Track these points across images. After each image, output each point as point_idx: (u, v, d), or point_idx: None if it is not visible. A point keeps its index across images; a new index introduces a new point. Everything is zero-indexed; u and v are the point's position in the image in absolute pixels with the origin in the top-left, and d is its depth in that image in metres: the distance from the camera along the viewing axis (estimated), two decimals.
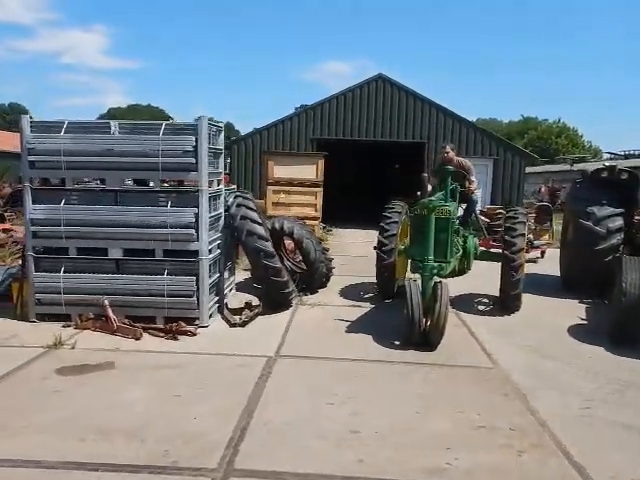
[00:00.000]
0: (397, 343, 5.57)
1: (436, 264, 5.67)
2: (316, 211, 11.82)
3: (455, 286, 7.05)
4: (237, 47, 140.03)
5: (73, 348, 5.28)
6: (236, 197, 6.74)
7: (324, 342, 5.64)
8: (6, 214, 14.70)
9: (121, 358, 5.04)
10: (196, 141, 5.87)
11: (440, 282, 5.51)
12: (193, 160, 5.88)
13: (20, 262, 7.29)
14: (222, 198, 6.73)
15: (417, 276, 5.88)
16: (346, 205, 18.62)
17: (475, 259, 7.55)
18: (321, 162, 12.02)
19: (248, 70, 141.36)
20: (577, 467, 3.34)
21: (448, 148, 8.08)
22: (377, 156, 21.66)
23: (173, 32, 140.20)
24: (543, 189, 30.46)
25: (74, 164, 6.03)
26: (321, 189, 11.92)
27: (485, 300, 7.69)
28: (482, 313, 7.05)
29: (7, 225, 12.48)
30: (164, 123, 6.03)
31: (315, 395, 4.25)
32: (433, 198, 6.12)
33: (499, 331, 6.25)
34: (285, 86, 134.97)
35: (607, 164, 9.11)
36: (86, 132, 6.07)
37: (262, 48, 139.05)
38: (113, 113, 66.43)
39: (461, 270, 7.26)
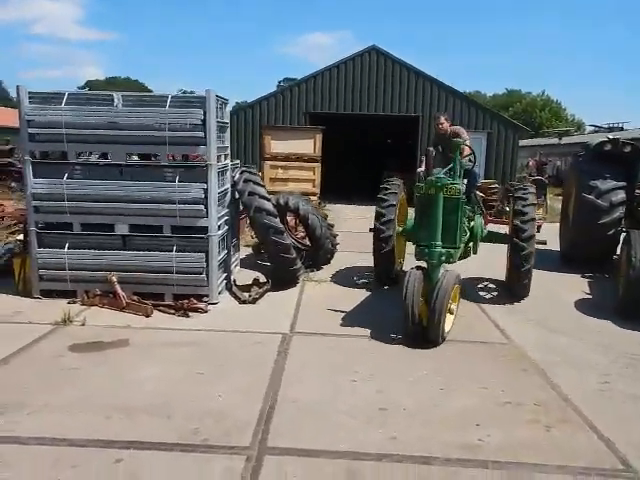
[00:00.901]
0: None
1: (444, 250, 5.06)
2: (314, 187, 11.70)
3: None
4: (216, 19, 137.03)
5: (83, 325, 5.19)
6: (242, 172, 6.60)
7: (337, 319, 5.61)
8: None
9: (134, 335, 4.97)
10: (204, 114, 5.71)
11: (446, 272, 5.00)
12: (202, 134, 5.72)
13: (17, 237, 7.13)
14: (229, 173, 6.60)
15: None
16: (337, 181, 18.45)
17: (480, 241, 6.81)
18: (319, 137, 11.86)
19: (228, 43, 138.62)
20: (605, 441, 3.37)
21: (442, 119, 7.25)
22: (370, 131, 21.43)
23: (150, 2, 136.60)
24: (531, 163, 30.57)
25: (76, 137, 5.83)
26: (319, 164, 11.78)
27: (491, 285, 7.25)
28: (488, 301, 6.52)
29: None
30: (170, 95, 5.84)
31: (336, 372, 4.23)
32: (441, 175, 5.39)
33: (508, 307, 6.28)
34: (267, 60, 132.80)
35: (610, 137, 9.06)
36: (88, 104, 5.87)
37: (242, 19, 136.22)
38: (90, 85, 64.81)
39: (465, 254, 6.47)
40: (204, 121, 5.71)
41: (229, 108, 6.80)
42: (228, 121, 6.62)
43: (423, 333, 4.85)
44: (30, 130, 5.78)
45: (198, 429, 3.31)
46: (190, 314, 5.59)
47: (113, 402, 3.65)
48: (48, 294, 6.03)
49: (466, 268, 6.79)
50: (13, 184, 15.69)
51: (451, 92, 18.74)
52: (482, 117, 18.71)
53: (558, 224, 9.94)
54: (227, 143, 6.62)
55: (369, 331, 5.22)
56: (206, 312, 5.69)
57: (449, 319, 5.01)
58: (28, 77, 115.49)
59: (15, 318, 5.37)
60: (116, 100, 5.86)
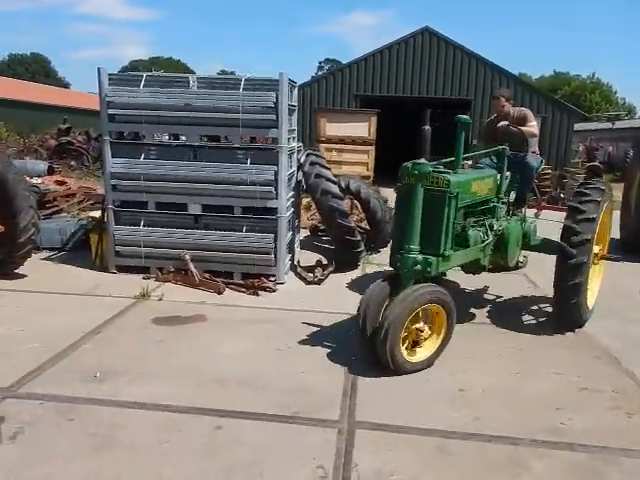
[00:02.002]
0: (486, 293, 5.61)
1: (421, 257, 4.01)
2: (368, 170, 11.72)
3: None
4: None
5: (160, 300, 5.43)
6: (308, 155, 6.71)
7: None
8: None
9: (210, 311, 5.17)
10: (276, 97, 5.82)
11: (423, 286, 3.93)
12: (274, 117, 5.84)
13: (90, 214, 7.45)
14: (295, 156, 6.71)
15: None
16: (386, 164, 18.36)
17: (530, 249, 5.52)
18: (374, 119, 11.85)
19: (269, 23, 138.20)
20: None
21: (502, 99, 5.91)
22: (420, 114, 21.19)
23: None
24: (581, 148, 29.66)
25: (153, 118, 6.04)
26: (373, 147, 11.78)
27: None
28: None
29: (59, 177, 12.64)
30: (243, 78, 5.96)
31: None
32: (424, 160, 4.06)
33: None
34: (306, 39, 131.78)
35: None
36: (164, 86, 6.05)
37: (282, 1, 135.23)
38: (134, 66, 65.95)
39: (497, 266, 5.22)
40: (276, 104, 5.83)
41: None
42: (296, 104, 6.71)
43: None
44: (110, 111, 6.01)
45: (288, 402, 3.47)
46: (259, 293, 5.78)
47: (203, 373, 3.84)
48: (123, 269, 6.31)
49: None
50: (72, 162, 16.24)
51: (505, 74, 18.33)
52: (536, 101, 18.26)
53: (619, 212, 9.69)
54: (295, 126, 6.72)
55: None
56: (274, 291, 5.86)
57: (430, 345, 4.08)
58: (74, 57, 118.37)
59: (97, 291, 5.66)
60: (191, 82, 6.03)
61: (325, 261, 6.89)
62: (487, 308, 5.61)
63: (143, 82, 6.01)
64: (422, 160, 4.04)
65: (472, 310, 5.52)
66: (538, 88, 20.57)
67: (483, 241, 4.72)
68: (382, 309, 3.95)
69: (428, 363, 4.04)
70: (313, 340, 4.54)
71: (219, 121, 5.98)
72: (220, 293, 5.71)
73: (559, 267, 4.85)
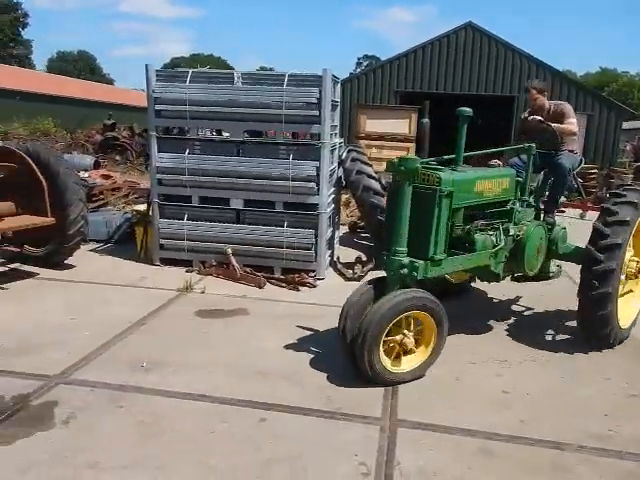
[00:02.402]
0: (518, 303, 5.50)
1: (407, 261, 3.69)
2: None
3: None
4: None
5: (203, 292, 5.53)
6: (350, 151, 6.71)
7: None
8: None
9: (251, 305, 5.24)
10: (320, 93, 5.83)
11: (406, 291, 3.63)
12: (316, 112, 5.85)
13: (135, 207, 7.63)
14: (337, 152, 6.71)
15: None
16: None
17: (560, 258, 5.09)
18: (414, 116, 11.73)
19: (306, 19, 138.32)
20: None
21: (533, 91, 5.41)
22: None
23: None
24: (629, 147, 28.64)
25: (198, 114, 6.13)
26: (414, 144, 11.67)
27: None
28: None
29: (105, 171, 12.99)
30: (287, 74, 5.99)
31: (454, 353, 4.27)
32: (414, 156, 3.84)
33: None
34: (345, 35, 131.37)
35: None
36: (209, 82, 6.14)
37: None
38: (176, 62, 67.05)
39: (522, 275, 4.83)
40: (319, 100, 5.84)
41: None
42: (339, 100, 6.71)
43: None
44: (156, 107, 6.14)
45: (330, 397, 3.49)
46: (299, 288, 5.81)
47: (245, 365, 3.90)
48: (167, 262, 6.45)
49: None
50: (117, 157, 16.66)
51: (549, 70, 17.87)
52: (582, 98, 17.75)
53: None
54: (337, 122, 6.72)
55: (477, 313, 5.21)
56: (314, 287, 5.88)
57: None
58: (118, 55, 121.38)
59: (142, 283, 5.80)
60: (236, 78, 6.10)
61: (365, 258, 6.87)
62: (527, 313, 5.49)
63: (189, 78, 6.11)
64: (411, 155, 3.86)
65: (510, 315, 5.42)
66: (584, 84, 19.96)
67: (495, 246, 4.28)
68: (364, 314, 3.66)
69: (414, 375, 3.72)
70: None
71: (262, 117, 6.04)
72: (261, 287, 5.77)
73: (584, 274, 4.34)
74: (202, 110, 6.10)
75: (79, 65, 65.63)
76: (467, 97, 18.49)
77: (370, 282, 3.97)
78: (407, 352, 3.75)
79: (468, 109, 4.15)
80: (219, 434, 3.04)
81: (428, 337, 3.80)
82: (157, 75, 6.19)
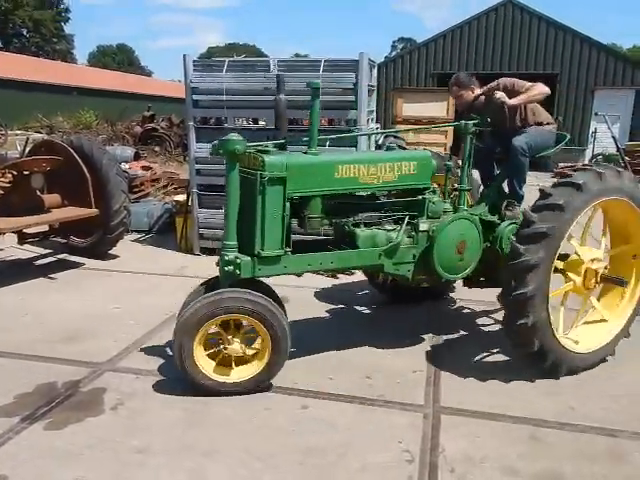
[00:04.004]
0: None
1: (232, 257, 3.27)
2: (445, 151, 11.39)
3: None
4: None
5: None
6: (387, 136, 6.61)
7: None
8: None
9: (290, 293, 5.23)
10: (356, 78, 5.74)
11: (230, 291, 3.21)
12: (353, 98, 5.77)
13: (174, 197, 7.75)
14: (373, 137, 6.63)
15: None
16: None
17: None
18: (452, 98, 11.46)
19: (339, 4, 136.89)
20: None
21: (454, 88, 4.54)
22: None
23: None
24: None
25: (235, 103, 6.15)
26: (452, 128, 11.42)
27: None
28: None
29: (145, 162, 13.23)
30: (323, 59, 5.93)
31: (495, 342, 4.18)
32: (235, 135, 3.23)
33: None
34: (378, 18, 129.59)
35: None
36: (246, 70, 6.13)
37: None
38: (212, 52, 67.46)
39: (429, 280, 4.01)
40: (355, 85, 5.75)
41: None
42: (375, 84, 6.61)
43: None
44: (194, 97, 6.18)
45: (372, 385, 3.47)
46: (337, 275, 5.79)
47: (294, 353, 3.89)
48: (207, 251, 6.53)
49: None
50: (157, 148, 16.94)
51: (595, 45, 17.14)
52: (631, 72, 16.96)
53: None
54: (374, 107, 6.62)
55: None
56: (352, 274, 5.84)
57: None
58: (155, 46, 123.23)
59: (183, 272, 5.90)
60: (272, 66, 6.07)
61: None
62: None
63: (226, 67, 6.11)
64: (234, 135, 3.23)
65: None
66: (630, 57, 19.07)
67: (389, 242, 3.61)
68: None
69: (248, 386, 3.29)
70: (399, 324, 4.51)
71: (298, 103, 5.99)
72: (299, 275, 5.76)
73: (504, 272, 3.51)
74: (239, 99, 6.10)
75: (118, 58, 66.90)
76: (508, 75, 18.00)
77: (207, 281, 3.62)
78: (245, 361, 3.34)
79: (316, 82, 3.49)
80: (262, 420, 3.06)
81: (263, 347, 3.30)
82: (194, 65, 6.21)
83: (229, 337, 3.25)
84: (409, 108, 11.52)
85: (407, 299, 4.83)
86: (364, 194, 3.72)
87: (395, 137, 6.60)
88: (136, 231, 7.55)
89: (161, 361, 3.74)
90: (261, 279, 3.55)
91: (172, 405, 3.20)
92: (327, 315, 4.69)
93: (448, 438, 2.93)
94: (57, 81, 27.58)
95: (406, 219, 3.69)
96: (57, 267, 5.96)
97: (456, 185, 4.02)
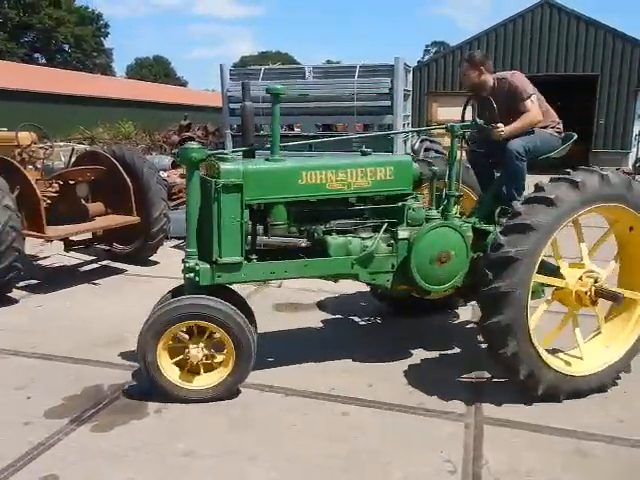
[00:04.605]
0: None
1: (192, 264, 3.26)
2: None
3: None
4: None
5: (280, 287, 5.61)
6: (423, 141, 6.57)
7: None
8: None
9: (324, 299, 5.26)
10: (391, 83, 5.74)
11: (187, 298, 3.23)
12: (388, 103, 5.78)
13: None
14: (409, 142, 6.60)
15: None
16: None
17: None
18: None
19: (369, 9, 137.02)
20: None
21: (465, 64, 4.28)
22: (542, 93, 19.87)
23: None
24: None
25: (270, 110, 6.20)
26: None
27: None
28: None
29: (183, 170, 13.46)
30: (358, 65, 5.95)
31: None
32: (195, 144, 3.35)
33: None
34: (411, 24, 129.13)
35: None
36: (281, 78, 6.20)
37: None
38: (245, 61, 68.27)
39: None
40: (391, 89, 5.75)
41: None
42: (410, 89, 6.59)
43: None
44: (231, 105, 6.29)
45: (412, 392, 3.44)
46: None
47: (326, 360, 3.91)
48: None
49: None
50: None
51: (637, 45, 16.64)
52: None
53: None
54: (409, 111, 6.60)
55: None
56: None
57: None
58: (189, 57, 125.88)
59: None
60: (307, 73, 6.13)
61: None
62: None
63: (262, 75, 6.20)
64: (193, 143, 3.36)
65: None
66: None
67: (363, 250, 3.47)
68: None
69: (215, 393, 3.27)
70: (435, 332, 4.46)
71: (334, 109, 6.04)
72: (336, 281, 5.76)
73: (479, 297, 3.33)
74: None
75: (155, 70, 68.49)
76: (546, 79, 17.63)
77: (175, 288, 3.58)
78: (212, 368, 3.33)
79: (278, 87, 3.46)
80: (302, 426, 3.07)
81: (228, 356, 3.27)
82: (231, 74, 6.34)
83: (191, 344, 3.25)
84: (444, 112, 11.42)
85: (413, 310, 4.59)
86: (336, 201, 3.53)
87: (431, 141, 6.53)
88: (175, 237, 7.68)
89: None
90: (231, 287, 3.57)
91: (213, 409, 3.24)
92: (363, 322, 4.68)
93: (491, 449, 2.87)
94: (96, 94, 28.43)
95: (383, 227, 3.54)
96: (101, 273, 6.13)
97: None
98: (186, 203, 3.33)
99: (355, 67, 5.93)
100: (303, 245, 3.82)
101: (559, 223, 3.15)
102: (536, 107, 4.04)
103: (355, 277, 3.55)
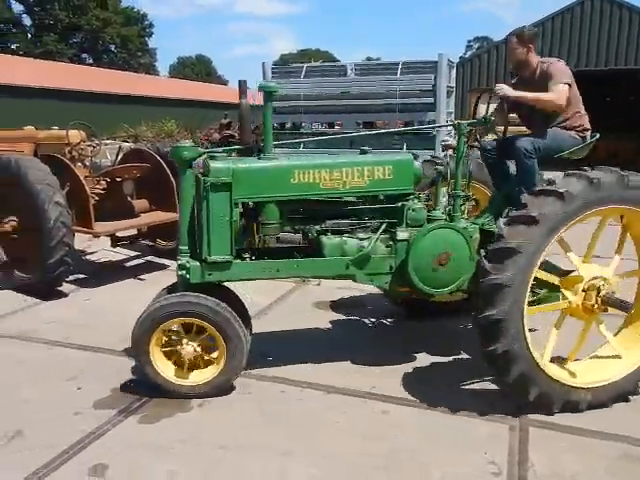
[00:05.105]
0: None
1: (183, 262, 3.30)
2: None
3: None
4: None
5: (319, 285, 5.62)
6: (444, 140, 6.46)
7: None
8: None
9: (364, 297, 5.24)
10: (434, 79, 5.67)
11: (179, 295, 3.27)
12: (431, 99, 5.72)
13: None
14: (452, 139, 6.50)
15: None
16: None
17: None
18: None
19: (408, 5, 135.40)
20: None
21: (514, 39, 4.10)
22: (588, 87, 19.22)
23: None
24: None
25: (312, 108, 6.25)
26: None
27: None
28: None
29: None
30: (401, 62, 5.89)
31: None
32: (187, 142, 3.40)
33: None
34: (452, 19, 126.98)
35: None
36: (323, 75, 6.22)
37: None
38: (285, 59, 68.56)
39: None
40: (434, 86, 5.68)
41: None
42: (454, 85, 6.49)
43: None
44: (273, 103, 6.33)
45: (452, 393, 3.40)
46: None
47: (364, 359, 3.89)
48: None
49: None
50: (234, 154, 17.44)
51: None
52: None
53: None
54: (452, 108, 6.50)
55: None
56: None
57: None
58: (229, 55, 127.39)
59: None
60: (349, 70, 6.12)
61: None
62: None
63: (304, 73, 6.23)
64: (185, 142, 3.37)
65: None
66: None
67: (360, 251, 3.38)
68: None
69: (207, 389, 3.31)
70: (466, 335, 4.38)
71: (375, 107, 6.01)
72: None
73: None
74: (316, 104, 6.20)
75: (197, 69, 69.64)
76: (594, 73, 17.07)
77: (170, 285, 3.61)
78: (208, 364, 3.37)
79: (271, 83, 3.41)
80: (342, 424, 3.07)
81: (220, 354, 3.29)
82: (273, 72, 6.39)
83: (184, 340, 3.27)
84: (489, 108, 11.17)
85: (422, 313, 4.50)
86: (333, 200, 3.47)
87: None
88: None
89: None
90: (227, 285, 3.57)
91: (253, 405, 3.28)
92: (399, 322, 4.64)
93: (536, 452, 2.82)
94: (140, 93, 29.12)
95: (382, 227, 3.44)
96: (145, 268, 6.28)
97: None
98: (179, 201, 3.38)
99: (397, 64, 5.87)
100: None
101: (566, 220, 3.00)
102: (563, 94, 3.85)
103: (352, 278, 3.47)
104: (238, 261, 3.33)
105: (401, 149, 5.89)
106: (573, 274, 3.30)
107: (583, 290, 3.19)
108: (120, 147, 7.23)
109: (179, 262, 3.30)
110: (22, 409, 3.21)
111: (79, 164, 6.25)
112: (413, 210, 3.46)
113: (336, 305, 5.07)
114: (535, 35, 4.18)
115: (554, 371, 3.13)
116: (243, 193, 3.25)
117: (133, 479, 2.62)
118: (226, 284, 3.57)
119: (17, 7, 48.04)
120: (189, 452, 2.82)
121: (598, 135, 4.11)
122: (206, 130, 23.12)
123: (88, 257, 6.84)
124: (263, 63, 6.37)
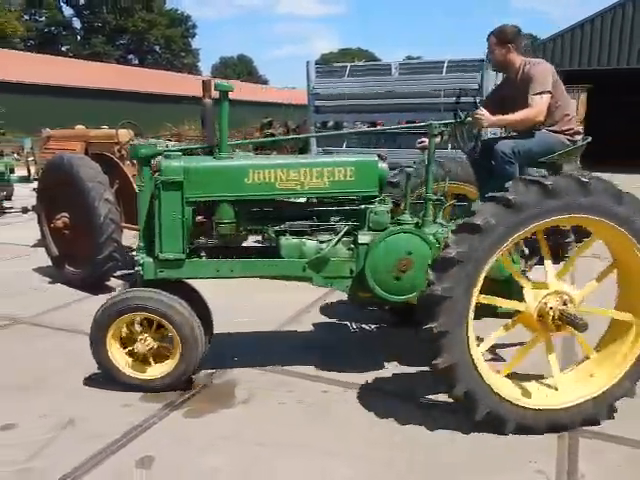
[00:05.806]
0: None
1: (138, 258, 3.37)
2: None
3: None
4: None
5: None
6: None
7: None
8: None
9: None
10: (481, 78, 5.57)
11: (132, 290, 3.36)
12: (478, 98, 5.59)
13: None
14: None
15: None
16: (599, 143, 16.46)
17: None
18: (583, 96, 10.69)
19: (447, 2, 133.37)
20: None
21: (493, 39, 4.07)
22: (633, 87, 18.54)
23: None
24: None
25: (355, 107, 6.24)
26: (582, 127, 10.65)
27: None
28: None
29: None
30: (446, 60, 5.82)
31: None
32: (145, 142, 3.40)
33: None
34: (494, 16, 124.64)
35: None
36: (367, 75, 6.19)
37: None
38: (326, 59, 68.65)
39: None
40: (480, 85, 5.58)
41: None
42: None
43: None
44: (316, 103, 6.35)
45: None
46: None
47: (410, 360, 3.85)
48: None
49: None
50: (274, 152, 17.59)
51: None
52: None
53: None
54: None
55: None
56: None
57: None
58: (271, 56, 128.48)
59: None
60: (393, 69, 6.07)
61: (527, 251, 6.43)
62: None
63: (347, 72, 6.22)
64: (150, 140, 3.44)
65: None
66: None
67: (318, 253, 3.31)
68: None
69: (163, 383, 3.33)
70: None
71: (419, 106, 5.94)
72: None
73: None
74: (359, 103, 6.18)
75: (238, 69, 70.56)
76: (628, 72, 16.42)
77: (132, 281, 3.66)
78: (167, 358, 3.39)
79: (225, 83, 3.27)
80: (384, 425, 3.05)
81: (175, 348, 3.32)
82: (317, 72, 6.40)
83: (140, 335, 3.32)
84: None
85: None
86: (290, 201, 3.48)
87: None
88: None
89: (284, 357, 3.86)
90: (187, 281, 3.61)
91: (294, 402, 3.29)
92: None
93: (587, 463, 2.72)
94: (183, 92, 29.69)
95: (343, 230, 3.37)
96: None
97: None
98: (137, 199, 3.44)
99: (443, 62, 5.80)
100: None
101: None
102: (542, 105, 3.73)
103: (309, 281, 3.42)
104: (193, 259, 3.37)
105: (445, 149, 5.81)
106: (541, 280, 3.08)
107: (544, 297, 2.96)
108: (167, 145, 7.36)
109: (135, 258, 3.38)
110: (73, 399, 3.31)
111: (128, 162, 6.40)
112: (375, 213, 3.37)
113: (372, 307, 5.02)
114: (516, 34, 4.02)
115: (505, 389, 2.92)
116: (195, 192, 3.26)
117: (179, 473, 2.66)
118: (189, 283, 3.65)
119: (67, 11, 49.76)
120: (233, 449, 2.84)
121: (590, 139, 4.02)
122: (247, 129, 23.39)
123: (134, 253, 6.99)
124: (307, 62, 6.38)
